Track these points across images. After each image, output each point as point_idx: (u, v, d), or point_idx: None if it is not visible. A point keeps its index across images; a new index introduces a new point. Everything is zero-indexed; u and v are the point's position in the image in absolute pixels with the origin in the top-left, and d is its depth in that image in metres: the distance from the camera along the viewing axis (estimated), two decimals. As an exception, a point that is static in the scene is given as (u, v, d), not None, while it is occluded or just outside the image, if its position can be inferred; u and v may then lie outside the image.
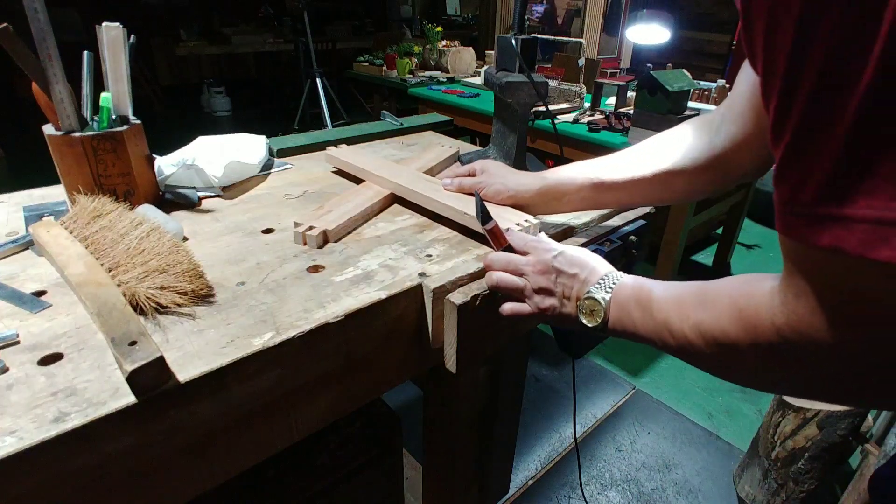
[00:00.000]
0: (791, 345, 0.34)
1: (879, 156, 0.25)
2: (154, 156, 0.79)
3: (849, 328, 0.31)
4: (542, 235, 0.62)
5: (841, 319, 0.31)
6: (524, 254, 0.58)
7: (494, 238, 0.61)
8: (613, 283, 0.51)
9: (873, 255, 0.26)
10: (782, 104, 0.29)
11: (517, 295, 0.58)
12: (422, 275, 0.61)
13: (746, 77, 0.57)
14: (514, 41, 0.86)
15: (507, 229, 0.65)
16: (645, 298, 0.48)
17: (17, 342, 0.47)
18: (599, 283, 0.52)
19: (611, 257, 0.55)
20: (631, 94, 2.36)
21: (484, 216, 0.61)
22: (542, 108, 1.36)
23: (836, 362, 0.33)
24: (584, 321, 0.52)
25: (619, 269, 0.54)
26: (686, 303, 0.44)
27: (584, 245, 0.67)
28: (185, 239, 0.68)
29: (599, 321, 0.51)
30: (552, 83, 2.46)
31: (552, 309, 0.55)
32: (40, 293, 0.55)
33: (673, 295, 0.46)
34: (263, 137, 0.99)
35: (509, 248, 0.60)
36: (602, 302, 0.51)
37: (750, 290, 0.39)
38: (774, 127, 0.30)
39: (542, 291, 0.56)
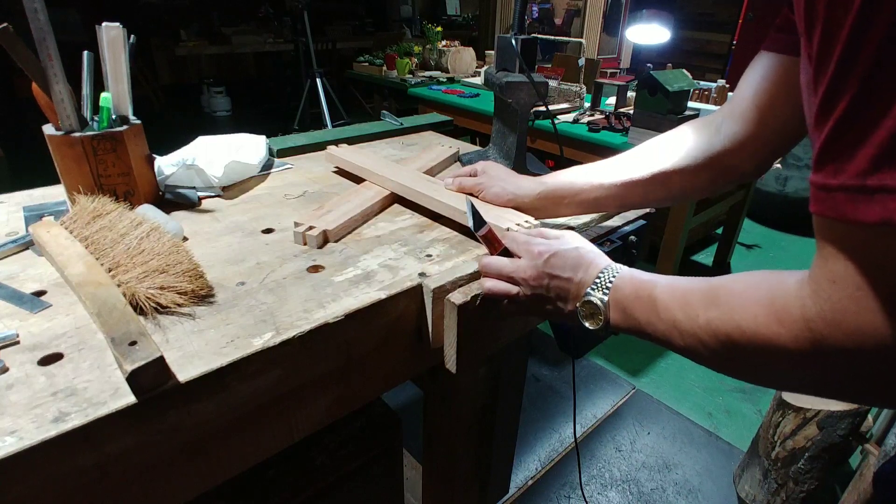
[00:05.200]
0: (823, 338, 0.32)
1: None
2: (154, 156, 0.79)
3: (894, 311, 0.28)
4: (542, 231, 0.61)
5: (884, 302, 0.28)
6: (519, 256, 0.57)
7: (489, 243, 0.60)
8: (610, 282, 0.50)
9: None
10: (840, 74, 0.28)
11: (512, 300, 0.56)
12: (422, 275, 0.61)
13: (752, 79, 0.58)
14: (514, 41, 0.86)
15: (508, 229, 0.65)
16: (646, 297, 0.46)
17: (17, 342, 0.47)
18: (596, 283, 0.50)
19: (611, 258, 0.54)
20: (631, 94, 2.36)
21: (477, 222, 0.59)
22: (542, 108, 1.36)
23: (877, 354, 0.30)
24: (586, 324, 0.51)
25: None
26: (694, 301, 0.42)
27: None
28: (185, 239, 0.68)
29: (601, 324, 0.50)
30: (552, 83, 2.46)
31: (549, 313, 0.55)
32: (40, 293, 0.54)
33: (678, 293, 0.44)
34: (263, 137, 0.99)
35: (506, 251, 0.59)
36: (600, 304, 0.49)
37: (771, 284, 0.36)
38: (825, 102, 0.29)
39: (536, 298, 0.54)
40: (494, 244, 0.59)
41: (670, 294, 0.45)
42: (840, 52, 0.28)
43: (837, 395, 0.36)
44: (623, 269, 0.51)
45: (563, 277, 0.52)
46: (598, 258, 0.53)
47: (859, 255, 0.29)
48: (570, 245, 0.55)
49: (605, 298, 0.49)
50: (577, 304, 0.51)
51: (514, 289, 0.56)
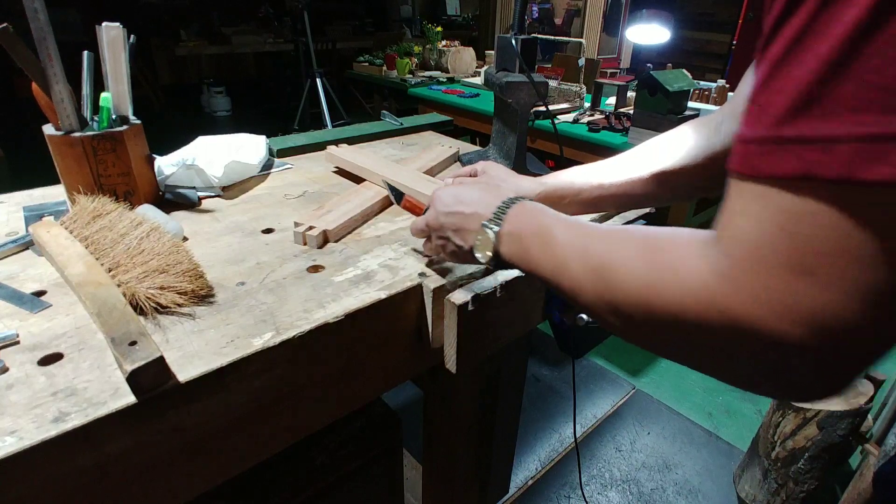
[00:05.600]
0: (714, 296, 0.29)
1: (883, 60, 0.22)
2: (154, 156, 0.79)
3: (795, 277, 0.25)
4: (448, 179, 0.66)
5: (786, 263, 0.26)
6: None
7: (411, 211, 0.64)
8: (503, 213, 0.48)
9: (865, 175, 0.23)
10: (782, 15, 0.25)
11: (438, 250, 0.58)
12: (422, 275, 0.61)
13: (753, 78, 0.58)
14: (514, 41, 0.86)
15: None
16: (547, 232, 0.43)
17: (17, 342, 0.47)
18: (494, 214, 0.48)
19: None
20: (631, 94, 2.36)
21: (396, 196, 0.65)
22: (542, 108, 1.36)
23: (765, 323, 0.27)
24: (478, 255, 0.50)
25: None
26: (592, 240, 0.39)
27: None
28: (185, 239, 0.68)
29: (490, 255, 0.48)
30: (552, 83, 2.46)
31: (459, 254, 0.54)
32: (40, 293, 0.55)
33: (579, 231, 0.41)
34: (263, 137, 0.99)
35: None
36: (490, 234, 0.47)
37: (678, 235, 0.33)
38: (760, 50, 0.27)
39: (443, 241, 0.55)
40: (415, 211, 0.63)
41: (571, 232, 0.42)
42: None
43: (707, 364, 0.33)
44: (526, 202, 0.49)
45: (454, 212, 0.52)
46: (505, 192, 0.51)
47: (769, 211, 0.26)
48: (473, 185, 0.55)
49: (497, 229, 0.47)
50: (477, 237, 0.50)
51: (429, 244, 0.58)
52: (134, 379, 0.40)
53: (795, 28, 0.25)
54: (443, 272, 0.61)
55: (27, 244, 0.64)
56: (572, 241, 0.41)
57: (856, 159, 0.23)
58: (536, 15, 4.58)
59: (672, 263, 0.32)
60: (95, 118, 0.71)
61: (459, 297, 0.56)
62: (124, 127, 0.70)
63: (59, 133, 0.66)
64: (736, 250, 0.28)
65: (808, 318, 0.25)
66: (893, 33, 0.22)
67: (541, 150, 2.19)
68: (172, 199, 0.78)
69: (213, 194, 0.82)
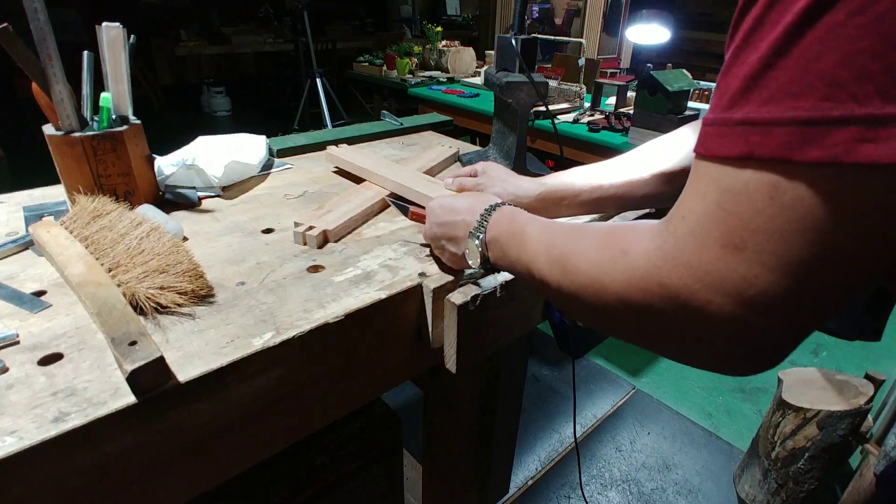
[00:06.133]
0: (657, 270, 0.30)
1: (822, 48, 0.23)
2: (154, 156, 0.79)
3: (727, 252, 0.27)
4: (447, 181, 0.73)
5: (720, 238, 0.27)
6: None
7: (420, 222, 0.68)
8: (486, 220, 0.51)
9: (798, 156, 0.24)
10: (746, 5, 0.27)
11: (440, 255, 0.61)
12: (422, 275, 0.61)
13: None
14: (514, 41, 0.86)
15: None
16: (520, 232, 0.46)
17: (17, 342, 0.47)
18: (479, 221, 0.52)
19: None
20: (631, 94, 2.36)
21: (402, 210, 0.72)
22: (542, 108, 1.36)
23: (697, 294, 0.28)
24: (470, 262, 0.53)
25: None
26: (557, 234, 0.41)
27: None
28: (185, 239, 0.68)
29: (479, 262, 0.51)
30: (552, 83, 2.46)
31: (454, 260, 0.58)
32: (40, 293, 0.54)
33: (548, 228, 0.44)
34: (263, 137, 0.99)
35: None
36: (476, 242, 0.51)
37: (639, 224, 0.34)
38: (727, 41, 0.28)
39: (440, 249, 0.59)
40: (422, 220, 0.66)
41: (542, 229, 0.44)
42: None
43: (656, 341, 0.33)
44: (504, 207, 0.51)
45: (444, 222, 0.56)
46: (490, 199, 0.54)
47: (712, 190, 0.28)
48: (464, 194, 0.59)
49: (482, 236, 0.51)
50: (466, 244, 0.53)
51: (433, 250, 0.62)
52: (134, 379, 0.40)
53: (754, 16, 0.26)
54: (443, 272, 0.61)
55: (27, 244, 0.64)
56: (541, 237, 0.43)
57: (792, 141, 0.24)
58: (536, 15, 4.58)
59: (623, 246, 0.33)
60: (95, 118, 0.71)
61: (459, 297, 0.56)
62: (124, 127, 0.70)
63: (59, 133, 0.66)
64: (680, 228, 0.29)
65: (735, 291, 0.27)
66: (832, 22, 0.22)
67: (541, 150, 2.19)
68: (172, 199, 0.78)
69: (213, 194, 0.82)
